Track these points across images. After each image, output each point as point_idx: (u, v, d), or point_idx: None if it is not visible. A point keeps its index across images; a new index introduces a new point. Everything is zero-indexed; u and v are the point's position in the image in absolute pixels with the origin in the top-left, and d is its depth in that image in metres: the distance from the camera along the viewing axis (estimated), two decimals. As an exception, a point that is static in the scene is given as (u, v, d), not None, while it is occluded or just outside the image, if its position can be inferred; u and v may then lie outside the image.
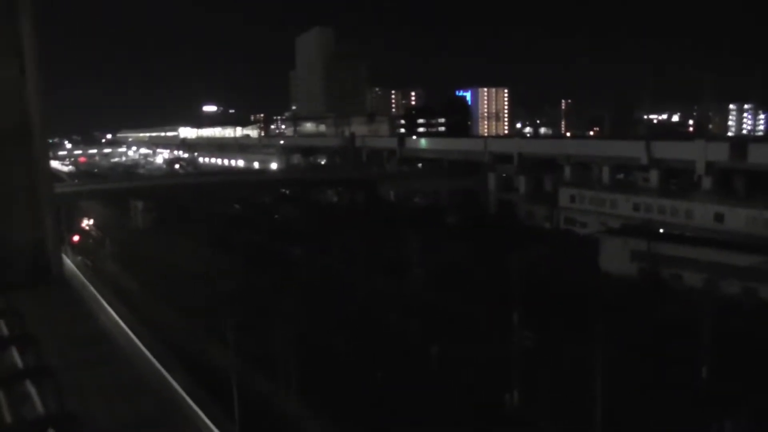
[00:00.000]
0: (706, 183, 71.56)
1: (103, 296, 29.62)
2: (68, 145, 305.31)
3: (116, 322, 24.63)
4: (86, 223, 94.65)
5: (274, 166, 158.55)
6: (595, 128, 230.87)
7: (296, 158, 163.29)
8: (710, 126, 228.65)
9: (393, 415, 31.64)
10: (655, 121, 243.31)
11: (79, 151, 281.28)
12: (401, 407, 32.51)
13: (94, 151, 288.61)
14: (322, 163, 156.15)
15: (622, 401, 30.31)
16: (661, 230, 65.16)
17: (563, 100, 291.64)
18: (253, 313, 44.36)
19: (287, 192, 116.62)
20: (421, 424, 31.06)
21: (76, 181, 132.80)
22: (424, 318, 45.15)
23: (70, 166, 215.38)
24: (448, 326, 43.34)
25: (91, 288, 30.81)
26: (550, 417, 30.65)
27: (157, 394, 17.21)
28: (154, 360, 20.31)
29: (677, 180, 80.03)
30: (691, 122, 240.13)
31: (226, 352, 33.76)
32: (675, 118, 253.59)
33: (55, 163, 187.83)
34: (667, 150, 78.14)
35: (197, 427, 16.14)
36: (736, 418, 28.90)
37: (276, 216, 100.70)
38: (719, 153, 71.00)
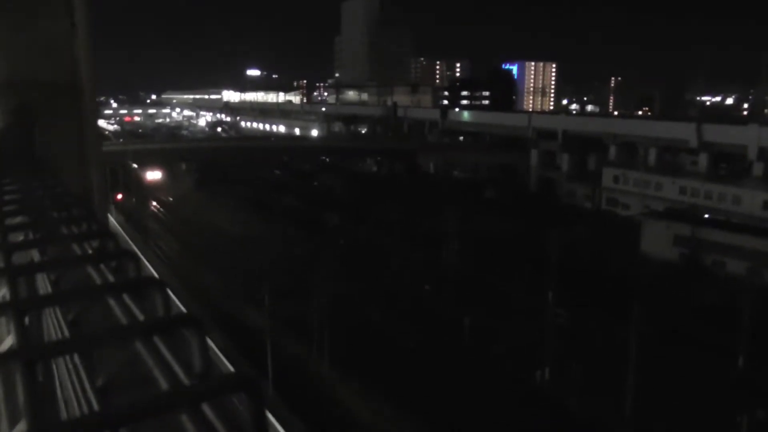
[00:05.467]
0: (758, 169, 69.15)
1: (144, 254, 30.43)
2: (114, 105, 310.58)
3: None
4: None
5: (314, 133, 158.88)
6: (644, 108, 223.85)
7: (337, 126, 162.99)
8: (766, 111, 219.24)
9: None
10: (707, 104, 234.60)
11: (125, 111, 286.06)
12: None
13: (139, 111, 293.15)
14: (363, 132, 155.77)
15: (650, 385, 29.95)
16: (707, 216, 63.44)
17: (612, 78, 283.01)
18: (289, 276, 45.02)
19: (327, 160, 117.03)
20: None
21: (121, 140, 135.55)
22: (455, 287, 45.16)
23: (116, 126, 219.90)
24: (481, 298, 43.24)
25: (133, 246, 31.67)
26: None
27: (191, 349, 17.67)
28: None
29: (727, 165, 77.53)
30: (746, 106, 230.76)
31: (260, 312, 34.46)
32: (729, 101, 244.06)
33: (100, 122, 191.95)
34: (719, 133, 75.52)
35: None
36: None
37: (315, 183, 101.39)
38: (774, 139, 68.46)
